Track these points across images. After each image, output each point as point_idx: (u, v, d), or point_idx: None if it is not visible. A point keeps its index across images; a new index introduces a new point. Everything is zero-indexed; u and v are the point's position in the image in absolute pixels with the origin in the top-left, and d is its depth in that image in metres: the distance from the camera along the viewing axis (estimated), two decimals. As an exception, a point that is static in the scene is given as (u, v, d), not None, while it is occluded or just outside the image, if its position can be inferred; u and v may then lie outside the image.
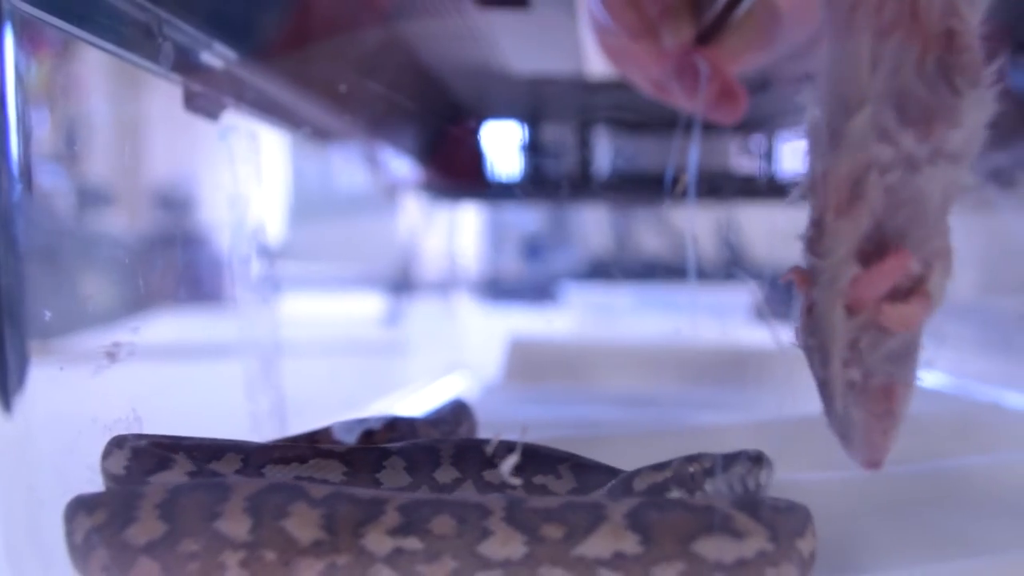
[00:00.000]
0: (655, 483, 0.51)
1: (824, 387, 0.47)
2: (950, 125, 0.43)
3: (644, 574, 0.44)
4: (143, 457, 0.53)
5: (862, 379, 0.45)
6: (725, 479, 0.49)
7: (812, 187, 0.46)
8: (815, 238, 0.46)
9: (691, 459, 0.50)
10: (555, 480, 0.57)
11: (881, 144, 0.43)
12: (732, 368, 0.98)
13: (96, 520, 0.47)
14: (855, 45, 0.43)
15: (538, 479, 0.57)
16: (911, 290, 0.44)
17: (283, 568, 0.45)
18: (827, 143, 0.45)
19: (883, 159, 0.43)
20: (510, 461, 0.51)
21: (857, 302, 0.44)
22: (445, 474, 0.58)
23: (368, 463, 0.57)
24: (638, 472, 0.53)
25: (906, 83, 0.43)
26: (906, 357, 0.46)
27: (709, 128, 0.85)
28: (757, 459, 0.49)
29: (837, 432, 0.47)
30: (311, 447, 0.59)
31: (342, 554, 0.45)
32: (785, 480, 0.61)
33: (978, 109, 0.43)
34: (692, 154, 0.57)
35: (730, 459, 0.49)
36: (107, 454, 0.53)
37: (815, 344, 0.46)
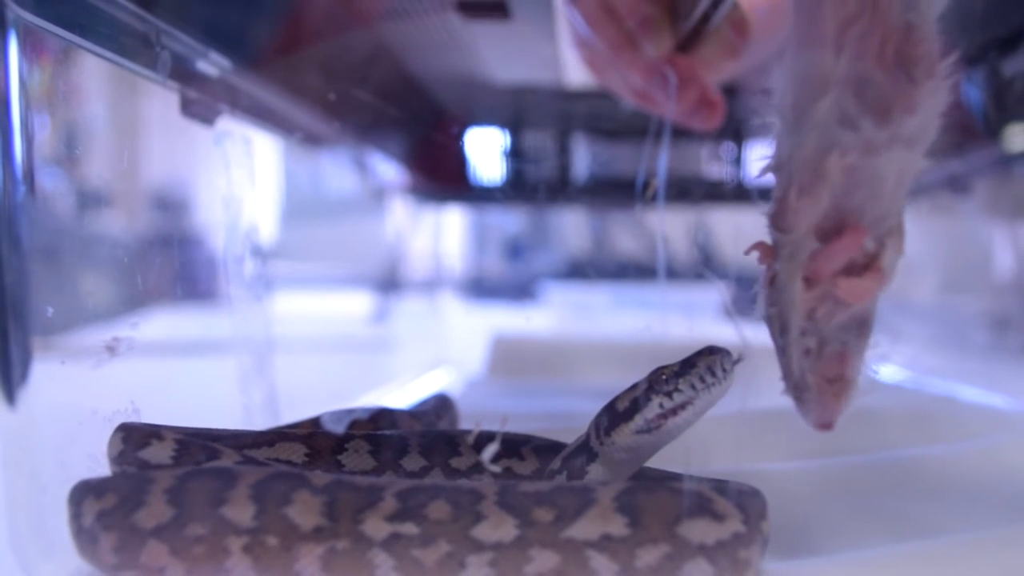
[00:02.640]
0: (635, 398, 0.51)
1: (782, 353, 0.47)
2: (907, 112, 0.44)
3: (630, 556, 0.44)
4: (191, 448, 0.53)
5: (818, 346, 0.46)
6: (697, 373, 0.49)
7: (778, 167, 0.47)
8: (779, 214, 0.46)
9: (658, 369, 0.51)
10: (519, 462, 0.58)
11: (842, 128, 0.44)
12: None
13: (105, 504, 0.47)
14: (820, 33, 0.44)
15: (502, 462, 0.57)
16: (866, 265, 0.45)
17: (285, 553, 0.45)
18: (792, 125, 0.45)
19: (844, 142, 0.44)
20: (491, 449, 0.51)
21: (815, 275, 0.45)
22: (412, 461, 0.58)
23: (329, 446, 0.58)
24: (616, 397, 0.53)
25: (867, 71, 0.43)
26: (859, 327, 0.47)
27: (681, 135, 0.85)
28: (715, 350, 0.50)
29: (793, 395, 0.48)
30: (278, 432, 0.59)
31: (341, 539, 0.45)
32: (748, 469, 0.61)
33: (933, 98, 0.44)
34: (662, 160, 0.58)
35: (693, 357, 0.50)
36: (143, 444, 0.53)
37: (775, 313, 0.47)
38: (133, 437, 0.53)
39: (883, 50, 0.43)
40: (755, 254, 0.49)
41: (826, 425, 0.47)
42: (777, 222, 0.46)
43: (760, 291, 0.48)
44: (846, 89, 0.43)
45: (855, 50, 0.43)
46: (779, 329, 0.47)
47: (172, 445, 0.52)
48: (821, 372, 0.46)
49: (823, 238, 0.45)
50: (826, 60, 0.44)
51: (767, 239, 0.48)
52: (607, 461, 0.53)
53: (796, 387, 0.47)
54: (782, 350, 0.47)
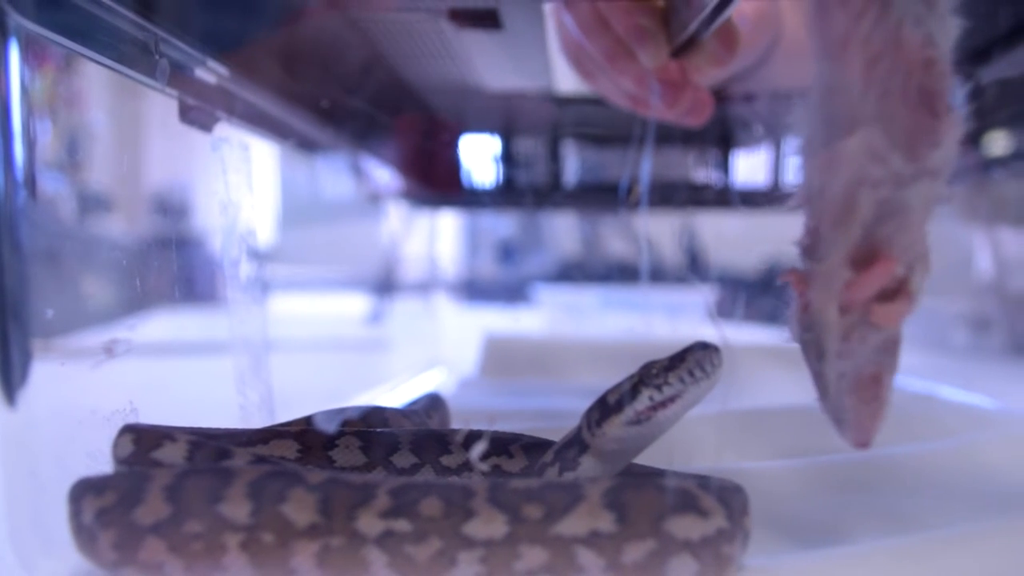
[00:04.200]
0: (625, 391, 0.52)
1: (819, 378, 0.48)
2: (932, 146, 0.44)
3: (617, 551, 0.44)
4: (203, 450, 0.53)
5: (853, 370, 0.47)
6: (686, 367, 0.50)
7: (808, 199, 0.47)
8: (811, 245, 0.47)
9: (648, 364, 0.51)
10: (508, 460, 0.58)
11: (873, 163, 0.44)
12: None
13: (105, 501, 0.47)
14: (847, 72, 0.44)
15: (492, 460, 0.57)
16: (896, 291, 0.46)
17: (280, 550, 0.45)
18: (823, 161, 0.46)
19: (874, 176, 0.44)
20: (479, 448, 0.51)
21: (850, 302, 0.46)
22: (403, 458, 0.58)
23: (320, 442, 0.58)
24: (608, 391, 0.53)
25: (893, 108, 0.44)
26: (890, 349, 0.48)
27: (669, 142, 0.86)
28: (705, 346, 0.50)
29: (831, 417, 0.49)
30: (271, 430, 0.59)
31: (336, 536, 0.45)
32: (731, 468, 0.61)
33: (953, 130, 0.45)
34: (645, 166, 0.58)
35: (683, 352, 0.51)
36: (156, 446, 0.52)
37: (810, 339, 0.48)
38: (144, 439, 0.53)
39: (907, 87, 0.44)
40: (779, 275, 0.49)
41: (864, 444, 0.48)
42: (811, 252, 0.47)
43: (793, 317, 0.49)
44: (874, 126, 0.44)
45: (881, 88, 0.44)
46: (816, 354, 0.48)
47: (185, 446, 0.52)
48: (858, 394, 0.47)
49: (856, 267, 0.46)
50: (854, 99, 0.44)
51: (798, 265, 0.49)
52: (598, 453, 0.53)
53: (834, 409, 0.48)
54: (819, 375, 0.48)
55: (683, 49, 0.70)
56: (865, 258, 0.46)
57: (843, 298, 0.46)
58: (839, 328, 0.46)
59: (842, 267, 0.46)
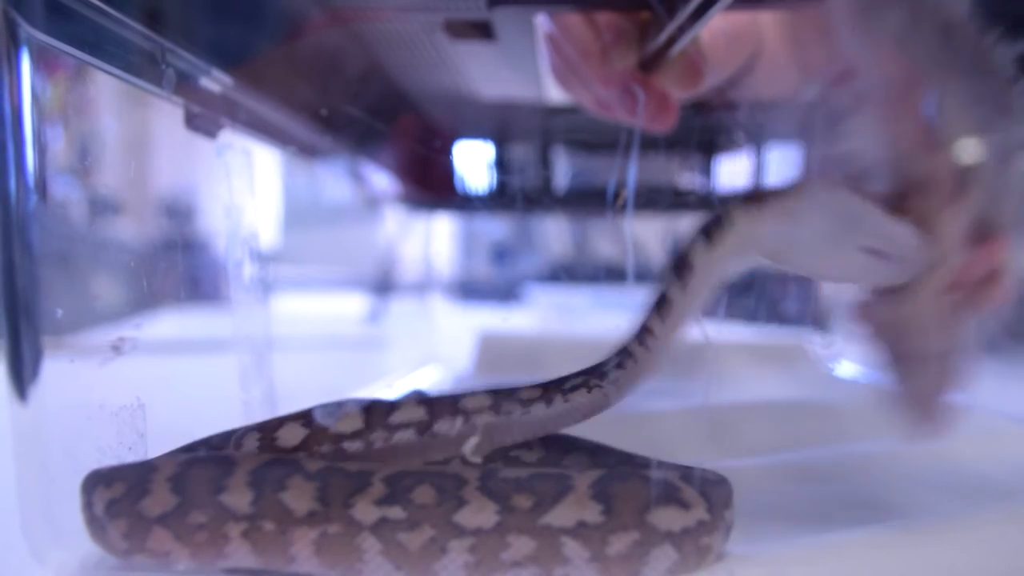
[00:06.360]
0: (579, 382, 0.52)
1: (902, 365, 0.46)
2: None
3: (602, 542, 0.44)
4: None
5: (952, 361, 0.46)
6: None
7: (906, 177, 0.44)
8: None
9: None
10: (527, 451, 0.57)
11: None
12: (671, 361, 0.99)
13: (114, 493, 0.47)
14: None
15: (513, 451, 0.57)
16: (994, 272, 0.44)
17: (280, 537, 0.45)
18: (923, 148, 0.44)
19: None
20: (472, 442, 0.51)
21: (963, 282, 0.44)
22: None
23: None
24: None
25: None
26: (969, 339, 0.46)
27: (655, 149, 0.86)
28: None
29: (909, 406, 0.47)
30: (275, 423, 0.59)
31: (333, 523, 0.45)
32: (713, 462, 0.61)
33: None
34: (631, 171, 0.58)
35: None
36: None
37: (900, 325, 0.45)
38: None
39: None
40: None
41: (940, 432, 0.48)
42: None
43: (859, 318, 0.47)
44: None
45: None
46: (904, 341, 0.46)
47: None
48: (953, 385, 0.46)
49: (969, 247, 0.44)
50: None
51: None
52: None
53: (914, 399, 0.47)
54: (902, 361, 0.46)
55: (651, 65, 0.71)
56: (978, 238, 0.44)
57: (959, 276, 0.44)
58: (937, 313, 0.44)
59: (958, 246, 0.44)
